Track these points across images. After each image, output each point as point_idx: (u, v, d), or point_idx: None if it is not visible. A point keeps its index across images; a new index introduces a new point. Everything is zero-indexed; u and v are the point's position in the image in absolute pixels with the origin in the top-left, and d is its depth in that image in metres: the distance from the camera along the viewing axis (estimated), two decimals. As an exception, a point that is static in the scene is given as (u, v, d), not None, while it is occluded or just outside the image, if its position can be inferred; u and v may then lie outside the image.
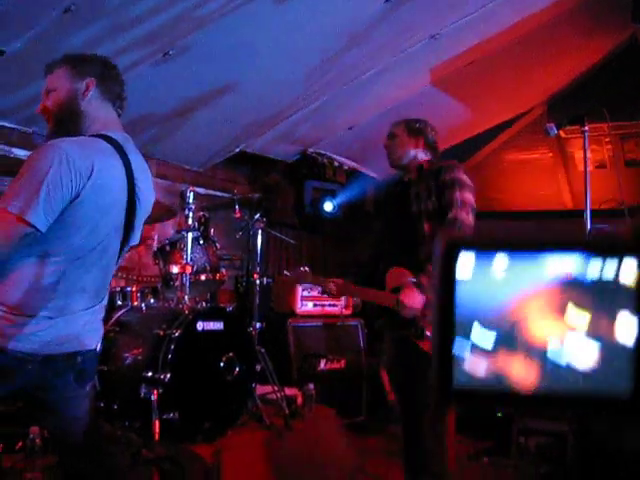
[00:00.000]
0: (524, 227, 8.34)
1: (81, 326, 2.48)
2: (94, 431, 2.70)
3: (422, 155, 3.97)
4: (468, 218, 3.61)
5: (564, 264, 0.88)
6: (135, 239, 2.70)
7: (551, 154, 8.18)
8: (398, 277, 3.76)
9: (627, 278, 0.87)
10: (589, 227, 3.48)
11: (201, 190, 6.22)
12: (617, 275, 0.87)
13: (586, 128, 3.39)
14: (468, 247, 0.89)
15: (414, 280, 3.60)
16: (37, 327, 2.32)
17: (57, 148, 2.30)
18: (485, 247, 0.89)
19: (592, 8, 5.92)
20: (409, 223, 3.81)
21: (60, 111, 2.55)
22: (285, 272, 4.78)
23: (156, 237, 4.91)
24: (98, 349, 2.68)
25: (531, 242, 0.89)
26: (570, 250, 0.88)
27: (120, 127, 2.63)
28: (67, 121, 2.53)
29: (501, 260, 0.88)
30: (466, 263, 0.88)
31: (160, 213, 4.10)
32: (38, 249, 2.30)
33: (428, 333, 3.49)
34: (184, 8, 4.21)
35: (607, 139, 7.53)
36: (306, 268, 4.46)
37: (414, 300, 3.56)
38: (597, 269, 0.87)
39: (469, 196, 3.67)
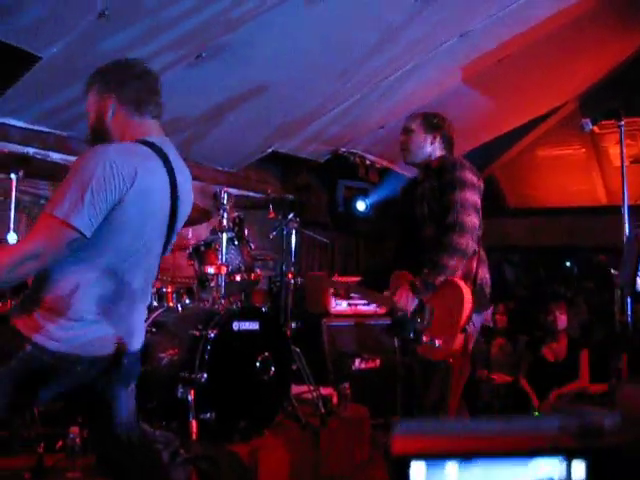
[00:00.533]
0: (557, 224, 8.30)
1: (127, 327, 2.52)
2: (136, 430, 2.74)
3: (438, 152, 3.79)
4: (468, 219, 3.42)
5: (514, 469, 0.91)
6: (175, 237, 2.74)
7: (584, 149, 8.12)
8: (400, 280, 3.64)
9: (579, 474, 0.90)
10: (627, 224, 3.42)
11: (234, 191, 6.25)
12: (569, 473, 0.90)
13: (622, 122, 3.34)
14: (418, 458, 0.93)
15: (410, 282, 3.50)
16: (85, 330, 2.36)
17: (101, 154, 2.34)
18: (434, 457, 0.94)
19: (623, 2, 5.88)
20: (414, 225, 3.70)
21: (94, 131, 2.62)
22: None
23: (190, 237, 4.94)
24: None
25: (478, 452, 0.93)
26: (519, 456, 0.92)
27: (158, 130, 2.63)
28: (101, 139, 2.58)
29: (452, 467, 0.92)
30: (418, 471, 0.93)
31: (196, 216, 4.15)
32: (84, 254, 2.34)
33: (425, 338, 3.37)
34: (215, 11, 4.25)
35: (642, 133, 7.47)
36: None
37: (405, 301, 3.46)
38: (548, 470, 0.91)
39: (470, 196, 3.47)
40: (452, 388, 3.52)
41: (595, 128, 6.29)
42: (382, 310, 6.28)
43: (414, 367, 3.75)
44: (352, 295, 5.39)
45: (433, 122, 3.80)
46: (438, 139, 3.77)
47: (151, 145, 2.50)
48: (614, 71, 7.30)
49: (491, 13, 5.22)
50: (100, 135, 2.59)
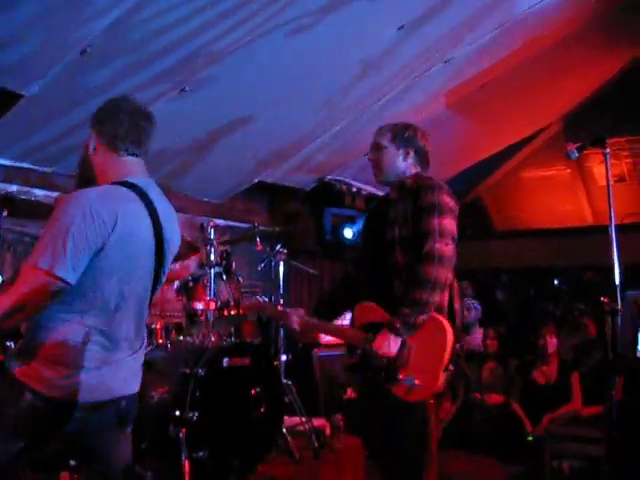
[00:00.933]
0: (544, 245, 8.30)
1: (125, 372, 2.52)
2: (133, 474, 2.71)
3: (412, 169, 3.39)
4: (447, 249, 3.11)
5: None
6: (164, 277, 2.72)
7: (569, 170, 8.16)
8: (367, 313, 3.29)
9: None
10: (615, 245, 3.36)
11: (221, 222, 6.23)
12: None
13: (607, 150, 3.31)
14: None
15: (388, 324, 3.12)
16: (84, 377, 2.35)
17: (80, 200, 2.34)
18: None
19: (605, 25, 5.92)
20: (383, 251, 3.29)
21: (80, 165, 2.65)
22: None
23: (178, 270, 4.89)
24: None
25: None
26: None
27: (141, 170, 2.61)
28: (86, 174, 2.60)
29: None
30: None
31: (183, 250, 4.11)
32: (74, 302, 2.34)
33: (401, 377, 3.06)
34: (197, 45, 4.25)
35: (625, 153, 7.52)
36: (265, 298, 4.12)
37: (388, 348, 3.08)
38: None
39: (449, 222, 3.16)
40: (432, 431, 3.23)
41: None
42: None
43: (382, 411, 3.27)
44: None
45: (404, 136, 3.38)
46: (411, 154, 3.38)
47: (132, 187, 2.48)
48: (597, 92, 7.36)
49: (474, 39, 5.24)
50: (85, 169, 2.60)
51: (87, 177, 2.57)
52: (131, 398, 2.58)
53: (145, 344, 2.74)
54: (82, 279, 2.30)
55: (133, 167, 2.58)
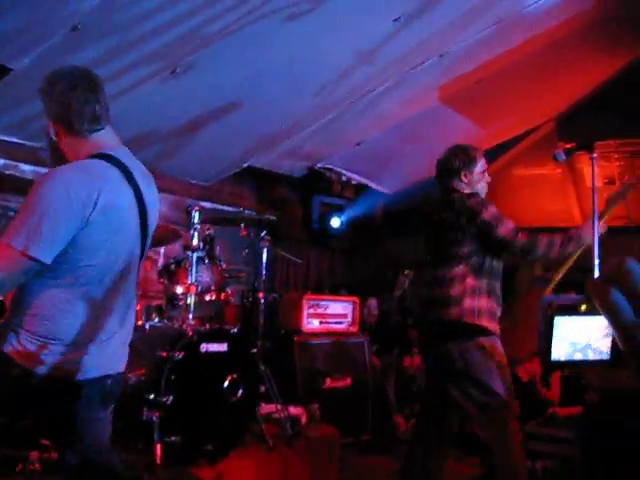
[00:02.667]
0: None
1: (112, 350, 2.50)
2: (112, 454, 2.69)
3: None
4: None
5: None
6: (147, 250, 2.69)
7: (560, 170, 8.11)
8: None
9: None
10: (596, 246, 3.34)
11: (208, 204, 6.22)
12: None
13: (594, 155, 3.32)
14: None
15: None
16: (70, 354, 2.35)
17: (58, 180, 2.30)
18: None
19: (602, 27, 5.89)
20: None
21: (50, 152, 2.57)
22: None
23: (162, 252, 4.87)
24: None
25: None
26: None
27: (112, 139, 2.53)
28: (59, 159, 2.52)
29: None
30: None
31: (166, 236, 4.10)
32: (59, 279, 2.32)
33: None
34: (191, 26, 4.20)
35: (616, 155, 7.49)
36: None
37: None
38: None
39: None
40: None
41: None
42: (354, 328, 6.26)
43: None
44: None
45: None
46: None
47: (108, 158, 2.43)
48: (592, 92, 7.33)
49: (470, 35, 5.21)
50: (55, 155, 2.53)
51: (60, 161, 2.50)
52: (117, 377, 2.56)
53: (134, 322, 2.72)
54: (69, 254, 2.28)
55: (103, 140, 2.50)
